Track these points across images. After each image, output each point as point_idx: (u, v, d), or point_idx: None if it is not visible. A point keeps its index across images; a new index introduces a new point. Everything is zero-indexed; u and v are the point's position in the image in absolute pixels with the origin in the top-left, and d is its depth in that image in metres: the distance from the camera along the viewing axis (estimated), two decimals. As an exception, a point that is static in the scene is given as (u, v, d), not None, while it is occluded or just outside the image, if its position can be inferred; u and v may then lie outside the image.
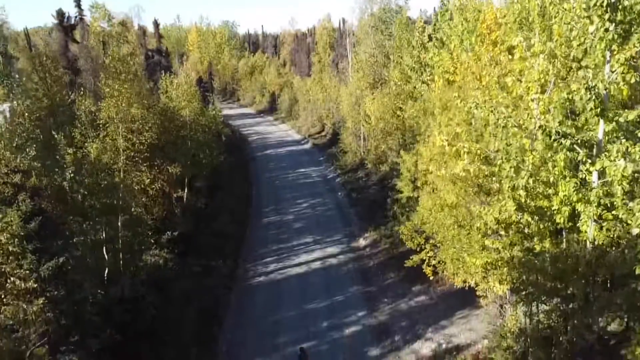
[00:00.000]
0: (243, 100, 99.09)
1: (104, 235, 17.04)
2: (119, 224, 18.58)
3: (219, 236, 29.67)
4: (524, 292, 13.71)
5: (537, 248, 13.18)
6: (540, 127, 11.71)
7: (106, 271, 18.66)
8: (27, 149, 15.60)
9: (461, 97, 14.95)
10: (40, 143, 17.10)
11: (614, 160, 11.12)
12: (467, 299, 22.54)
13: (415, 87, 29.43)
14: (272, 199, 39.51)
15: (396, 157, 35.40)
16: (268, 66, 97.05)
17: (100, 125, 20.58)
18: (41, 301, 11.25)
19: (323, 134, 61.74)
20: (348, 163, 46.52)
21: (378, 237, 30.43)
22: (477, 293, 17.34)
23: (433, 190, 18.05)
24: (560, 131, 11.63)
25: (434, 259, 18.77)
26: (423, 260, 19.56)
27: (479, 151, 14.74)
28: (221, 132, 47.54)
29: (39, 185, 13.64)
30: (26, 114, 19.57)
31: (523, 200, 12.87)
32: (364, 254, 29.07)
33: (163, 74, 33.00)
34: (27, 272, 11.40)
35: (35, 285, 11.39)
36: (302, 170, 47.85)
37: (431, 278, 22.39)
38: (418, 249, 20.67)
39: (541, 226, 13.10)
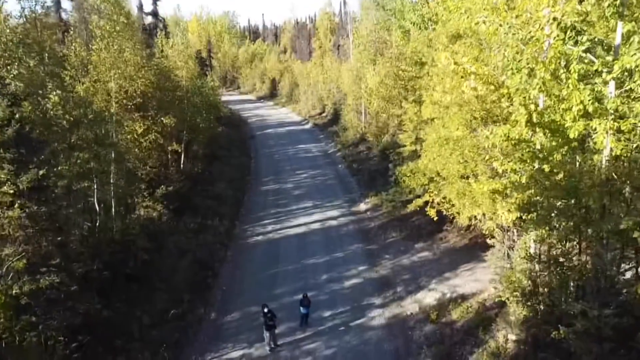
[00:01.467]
0: (243, 87, 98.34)
1: (92, 166, 16.20)
2: (112, 157, 17.82)
3: (216, 199, 28.91)
4: (534, 214, 12.91)
5: (548, 168, 12.37)
6: (554, 19, 10.85)
7: (97, 211, 17.90)
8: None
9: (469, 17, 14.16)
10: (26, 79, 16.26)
11: (635, 54, 10.32)
12: (472, 254, 21.77)
13: (417, 48, 28.61)
14: (271, 170, 38.70)
15: (397, 125, 34.62)
16: (268, 53, 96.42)
17: (91, 69, 19.79)
18: (17, 209, 10.43)
19: (324, 114, 60.94)
20: (349, 139, 45.70)
21: (379, 201, 29.61)
22: (484, 231, 16.49)
23: (434, 120, 17.15)
24: (576, 25, 10.81)
25: (438, 197, 17.91)
26: (426, 203, 18.71)
27: (486, 72, 13.94)
28: (219, 107, 46.86)
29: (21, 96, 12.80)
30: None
31: (534, 114, 12.08)
32: (365, 217, 28.28)
33: (159, 36, 32.16)
34: (2, 178, 10.59)
35: (12, 191, 10.57)
36: (302, 146, 47.05)
37: (437, 234, 21.63)
38: (421, 191, 19.87)
39: (554, 142, 12.30)
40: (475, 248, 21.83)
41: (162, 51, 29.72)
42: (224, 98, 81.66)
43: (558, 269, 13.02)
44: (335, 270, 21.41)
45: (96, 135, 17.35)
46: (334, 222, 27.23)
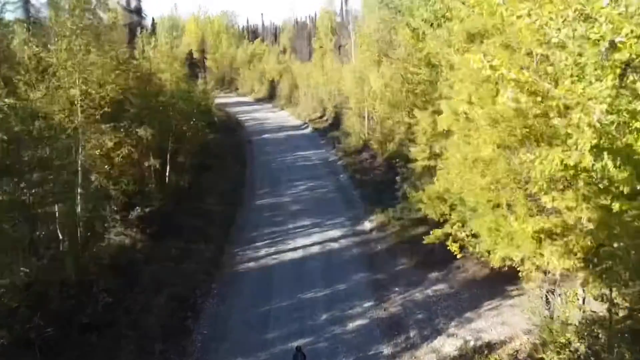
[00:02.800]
0: (241, 89, 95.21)
1: (29, 198, 13.16)
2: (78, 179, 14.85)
3: (204, 217, 25.87)
4: (598, 269, 9.88)
5: (618, 206, 9.35)
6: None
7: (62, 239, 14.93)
8: None
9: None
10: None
11: None
12: (495, 287, 18.74)
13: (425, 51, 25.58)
14: (267, 181, 35.65)
15: (404, 133, 31.57)
16: (267, 54, 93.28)
17: (49, 73, 16.80)
18: None
19: (324, 118, 57.91)
20: (351, 145, 42.66)
21: (386, 219, 26.57)
22: (518, 272, 13.42)
23: (462, 140, 14.11)
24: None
25: (462, 232, 14.87)
26: (447, 236, 15.65)
27: (529, 79, 10.88)
28: (213, 112, 43.88)
29: None
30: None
31: (602, 136, 9.07)
32: (370, 238, 25.26)
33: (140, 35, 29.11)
34: None
35: None
36: (301, 153, 43.98)
37: (454, 261, 18.64)
38: (441, 220, 16.85)
39: (627, 173, 9.28)
40: (499, 280, 18.74)
41: (143, 52, 26.66)
42: (220, 100, 78.75)
43: (626, 336, 9.99)
44: (336, 307, 18.35)
45: (52, 152, 14.43)
46: (335, 245, 24.20)
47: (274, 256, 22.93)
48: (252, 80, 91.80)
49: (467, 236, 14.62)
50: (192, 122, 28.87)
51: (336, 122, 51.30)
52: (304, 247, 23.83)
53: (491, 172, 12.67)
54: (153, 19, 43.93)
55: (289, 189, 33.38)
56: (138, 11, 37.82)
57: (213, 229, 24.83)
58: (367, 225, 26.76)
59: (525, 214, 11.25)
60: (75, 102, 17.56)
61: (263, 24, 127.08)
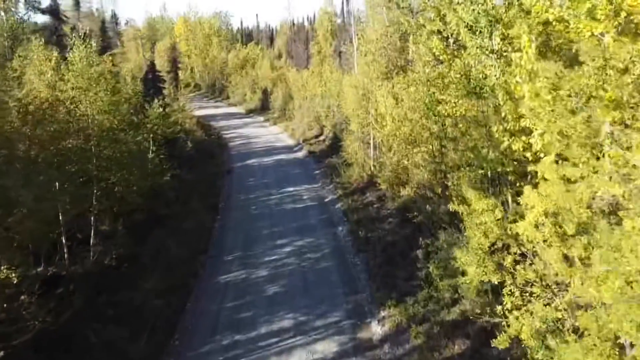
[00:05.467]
0: (233, 98, 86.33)
1: None
2: None
3: (129, 321, 17.21)
4: None
5: None
6: None
7: None
8: None
9: None
10: None
11: None
12: None
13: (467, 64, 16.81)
14: (241, 237, 26.87)
15: (427, 180, 22.81)
16: (261, 59, 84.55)
17: None
18: None
19: (321, 138, 49.19)
20: (353, 180, 33.93)
21: (403, 319, 17.90)
22: None
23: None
24: None
25: None
26: None
27: None
28: (180, 137, 35.23)
29: None
30: None
31: None
32: (380, 356, 16.57)
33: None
34: None
35: None
36: (291, 189, 35.19)
37: None
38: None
39: None
40: None
41: (40, 73, 18.03)
42: (206, 112, 70.33)
43: None
44: None
45: None
46: (328, 378, 15.53)
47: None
48: (244, 88, 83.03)
49: None
50: (132, 175, 20.06)
51: (335, 145, 42.48)
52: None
53: None
54: (98, 24, 35.38)
55: (269, 252, 24.58)
56: (53, 12, 28.84)
57: (137, 347, 16.10)
58: (374, 329, 18.02)
59: None
60: None
61: (258, 26, 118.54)
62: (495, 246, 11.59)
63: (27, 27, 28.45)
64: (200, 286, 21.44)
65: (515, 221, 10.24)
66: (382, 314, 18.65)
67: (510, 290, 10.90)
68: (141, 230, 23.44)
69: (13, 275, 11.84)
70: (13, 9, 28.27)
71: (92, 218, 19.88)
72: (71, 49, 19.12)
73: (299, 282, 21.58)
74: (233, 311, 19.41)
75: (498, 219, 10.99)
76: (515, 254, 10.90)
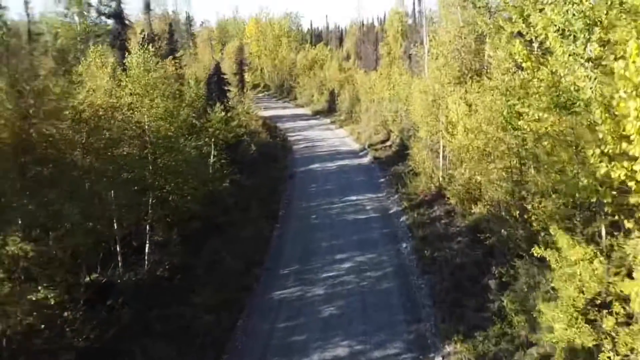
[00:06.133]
0: (300, 99, 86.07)
1: None
2: None
3: (177, 337, 16.49)
4: None
5: None
6: None
7: None
8: None
9: None
10: None
11: None
12: None
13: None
14: (299, 249, 25.78)
15: (503, 200, 20.53)
16: (330, 60, 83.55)
17: None
18: None
19: (388, 143, 47.33)
20: (419, 191, 31.94)
21: (472, 358, 15.97)
22: None
23: None
24: None
25: None
26: None
27: None
28: (244, 141, 34.73)
29: None
30: None
31: None
32: (445, 400, 14.79)
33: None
34: None
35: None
36: (354, 198, 33.71)
37: None
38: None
39: None
40: None
41: (96, 78, 17.67)
42: (273, 112, 70.35)
43: None
44: None
45: None
46: None
47: None
48: (312, 89, 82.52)
49: None
50: (187, 183, 19.39)
51: (402, 151, 40.54)
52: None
53: None
54: (160, 27, 35.66)
55: (327, 268, 23.26)
56: (117, 16, 28.88)
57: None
58: (439, 364, 16.24)
59: None
60: None
61: (327, 27, 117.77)
62: (592, 302, 9.53)
63: (98, 31, 28.84)
64: (253, 302, 20.47)
65: (618, 273, 8.21)
66: (448, 349, 16.80)
67: (609, 358, 8.86)
68: (197, 238, 22.89)
69: (51, 295, 11.29)
70: (86, 13, 28.87)
71: (146, 226, 19.45)
72: (129, 53, 18.80)
73: (357, 303, 20.10)
74: (285, 333, 18.26)
75: (597, 272, 8.93)
76: (618, 314, 8.84)
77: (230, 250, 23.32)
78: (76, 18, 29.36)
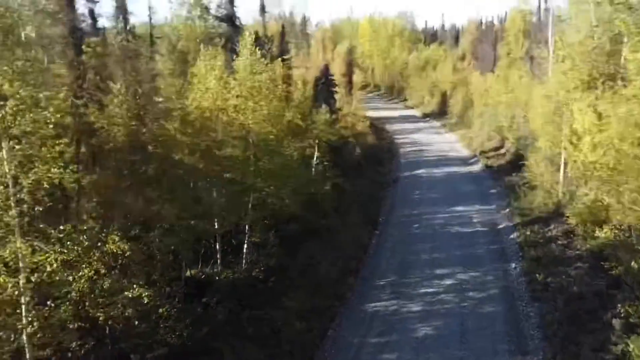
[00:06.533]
0: (410, 100, 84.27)
1: None
2: None
3: (264, 340, 16.42)
4: None
5: None
6: None
7: None
8: None
9: None
10: None
11: None
12: None
13: None
14: (397, 259, 24.78)
15: (635, 226, 17.92)
16: (443, 60, 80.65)
17: None
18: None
19: (501, 151, 44.38)
20: (534, 206, 29.32)
21: (586, 406, 13.99)
22: None
23: None
24: None
25: None
26: None
27: None
28: (350, 143, 34.37)
29: None
30: None
31: None
32: None
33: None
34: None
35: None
36: (460, 208, 31.86)
37: None
38: None
39: None
40: None
41: (198, 81, 18.05)
42: (382, 114, 69.42)
43: None
44: None
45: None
46: None
47: None
48: (422, 90, 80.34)
49: None
50: (286, 189, 19.35)
51: (516, 161, 37.68)
52: None
53: None
54: (266, 31, 36.06)
55: (425, 283, 22.04)
56: (230, 19, 29.53)
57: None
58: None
59: None
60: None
61: (443, 26, 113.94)
62: None
63: (214, 34, 30.04)
64: (346, 312, 19.89)
65: None
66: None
67: None
68: (294, 241, 22.80)
69: (145, 294, 11.62)
70: (205, 16, 30.24)
71: (245, 226, 19.73)
72: (238, 56, 19.19)
73: (455, 326, 18.68)
74: (375, 349, 17.44)
75: None
76: None
77: (326, 255, 22.99)
78: (197, 21, 30.79)
